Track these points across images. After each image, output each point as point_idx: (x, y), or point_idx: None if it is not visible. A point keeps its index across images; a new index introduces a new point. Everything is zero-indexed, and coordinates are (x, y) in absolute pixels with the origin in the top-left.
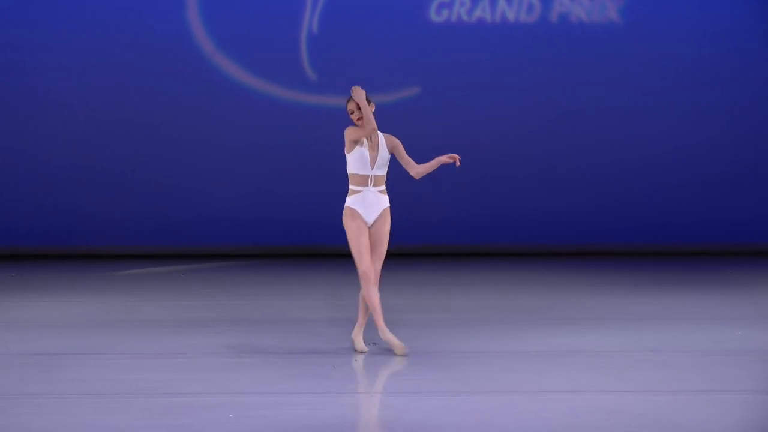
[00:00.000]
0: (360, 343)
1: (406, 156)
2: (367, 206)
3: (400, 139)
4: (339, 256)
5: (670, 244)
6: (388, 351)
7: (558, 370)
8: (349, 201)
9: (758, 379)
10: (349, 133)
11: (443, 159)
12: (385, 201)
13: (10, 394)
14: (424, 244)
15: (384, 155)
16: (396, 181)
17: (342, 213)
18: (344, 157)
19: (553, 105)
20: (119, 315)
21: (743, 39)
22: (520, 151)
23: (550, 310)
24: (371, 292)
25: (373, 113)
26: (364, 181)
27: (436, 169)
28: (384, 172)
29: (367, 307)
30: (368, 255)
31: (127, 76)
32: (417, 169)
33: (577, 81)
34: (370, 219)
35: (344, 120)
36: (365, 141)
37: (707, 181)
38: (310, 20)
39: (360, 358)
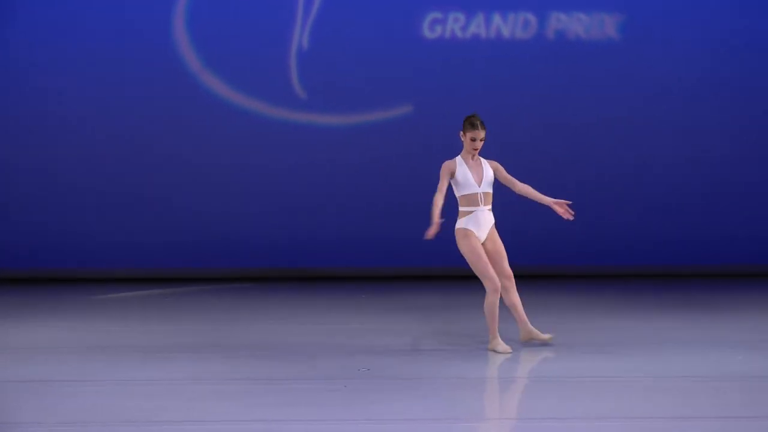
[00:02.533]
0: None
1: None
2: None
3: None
4: (327, 279)
5: (660, 265)
6: (379, 377)
7: (558, 396)
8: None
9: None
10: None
11: (557, 208)
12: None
13: None
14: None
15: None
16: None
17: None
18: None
19: (551, 123)
20: (105, 340)
21: (744, 55)
22: (517, 169)
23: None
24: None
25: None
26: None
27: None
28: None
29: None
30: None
31: (112, 95)
32: (523, 189)
33: (574, 98)
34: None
35: (334, 138)
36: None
37: (705, 200)
38: (300, 36)
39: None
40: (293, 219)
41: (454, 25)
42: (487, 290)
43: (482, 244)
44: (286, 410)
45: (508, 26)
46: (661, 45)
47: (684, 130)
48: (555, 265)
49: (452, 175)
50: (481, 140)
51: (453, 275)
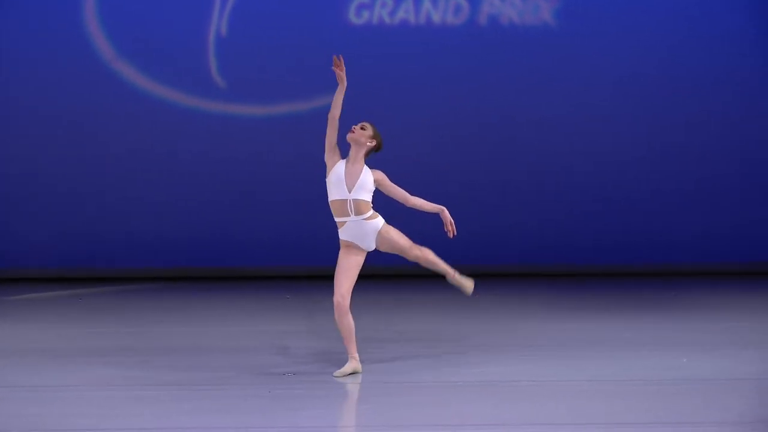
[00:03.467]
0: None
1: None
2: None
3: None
4: (249, 278)
5: (622, 264)
6: (305, 381)
7: (492, 401)
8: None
9: (708, 409)
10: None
11: (444, 217)
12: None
13: None
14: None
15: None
16: None
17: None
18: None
19: (484, 112)
20: (13, 343)
21: (686, 41)
22: (446, 161)
23: (489, 335)
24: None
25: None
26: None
27: None
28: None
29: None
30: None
31: (25, 90)
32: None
33: (508, 86)
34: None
35: (253, 129)
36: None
37: (646, 197)
38: (218, 22)
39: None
40: (214, 215)
41: (382, 10)
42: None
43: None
44: (205, 417)
45: (439, 11)
46: (599, 31)
47: (624, 121)
48: (509, 264)
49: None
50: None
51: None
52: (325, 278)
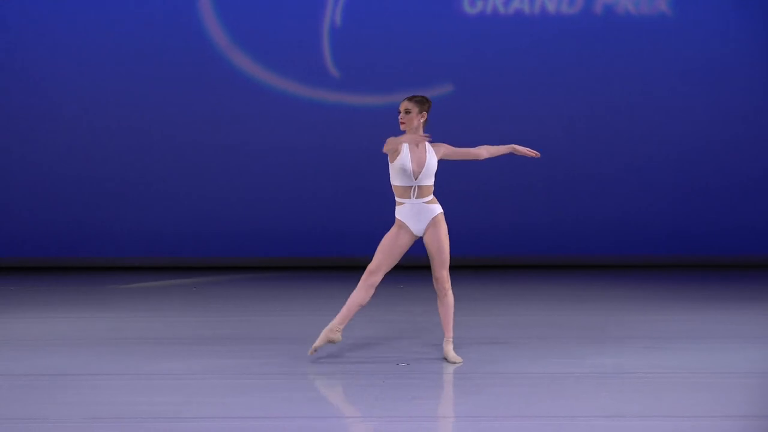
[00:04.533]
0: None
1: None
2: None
3: (439, 142)
4: (358, 268)
5: (703, 256)
6: (420, 371)
7: (596, 394)
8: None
9: None
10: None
11: (521, 150)
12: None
13: (8, 418)
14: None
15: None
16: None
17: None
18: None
19: (598, 102)
20: (124, 332)
21: None
22: (562, 152)
23: (582, 328)
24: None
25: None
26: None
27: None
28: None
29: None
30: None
31: (136, 77)
32: (484, 153)
33: (622, 77)
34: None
35: (368, 120)
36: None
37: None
38: (332, 12)
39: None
40: (324, 205)
41: (496, 0)
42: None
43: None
44: (316, 406)
45: (553, 1)
46: (715, 20)
47: (739, 112)
48: (603, 255)
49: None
50: (407, 111)
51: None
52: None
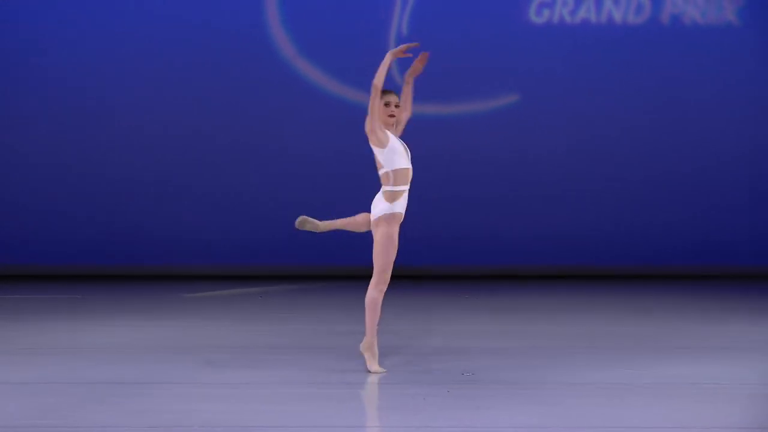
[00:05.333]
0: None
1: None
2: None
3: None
4: (433, 278)
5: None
6: (484, 381)
7: (660, 404)
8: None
9: None
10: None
11: (396, 52)
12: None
13: (73, 426)
14: (507, 265)
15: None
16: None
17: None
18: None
19: (666, 111)
20: (191, 340)
21: None
22: (629, 160)
23: (650, 337)
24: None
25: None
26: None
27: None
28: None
29: None
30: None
31: (204, 85)
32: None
33: (689, 85)
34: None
35: (433, 129)
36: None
37: None
38: (399, 21)
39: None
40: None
41: (563, 9)
42: (381, 286)
43: None
44: (386, 414)
45: (620, 10)
46: None
47: None
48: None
49: (382, 142)
50: (396, 105)
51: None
52: (503, 277)
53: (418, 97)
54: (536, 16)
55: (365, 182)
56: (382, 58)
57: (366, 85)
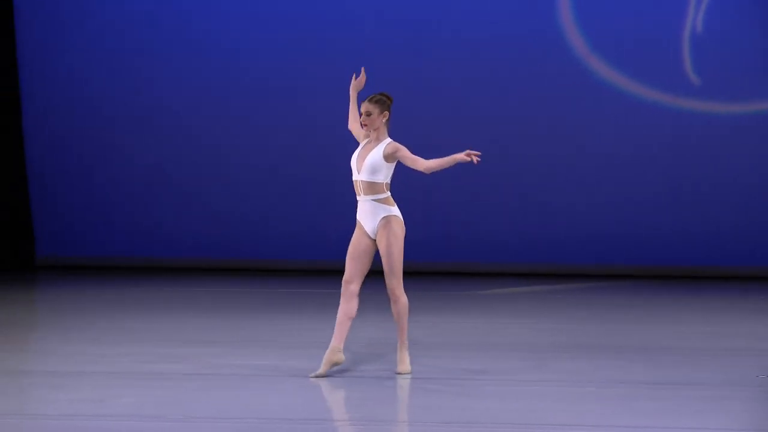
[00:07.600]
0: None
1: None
2: None
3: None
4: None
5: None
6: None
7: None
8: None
9: None
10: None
11: (459, 157)
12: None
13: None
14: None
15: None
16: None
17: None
18: None
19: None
20: (485, 337)
21: None
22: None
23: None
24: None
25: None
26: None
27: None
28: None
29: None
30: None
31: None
32: (426, 164)
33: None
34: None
35: (728, 127)
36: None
37: None
38: (693, 18)
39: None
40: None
41: None
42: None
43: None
44: (669, 417)
45: None
46: None
47: None
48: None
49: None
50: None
51: None
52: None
53: (713, 96)
54: None
55: (656, 180)
56: (675, 55)
57: (660, 83)
